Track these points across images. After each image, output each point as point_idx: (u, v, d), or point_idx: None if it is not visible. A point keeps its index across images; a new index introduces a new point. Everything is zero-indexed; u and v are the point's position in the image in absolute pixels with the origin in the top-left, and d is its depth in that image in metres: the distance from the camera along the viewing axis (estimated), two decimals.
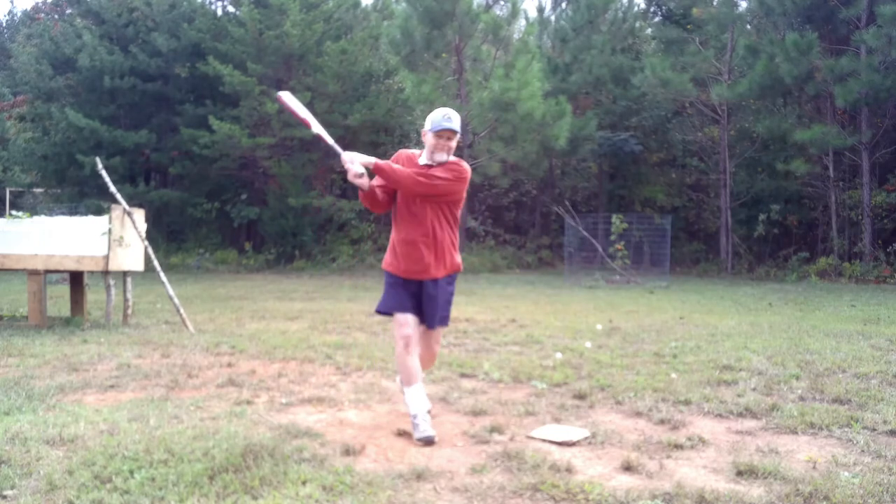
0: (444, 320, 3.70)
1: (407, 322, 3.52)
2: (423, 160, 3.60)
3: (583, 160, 22.20)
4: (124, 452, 2.98)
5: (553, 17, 23.37)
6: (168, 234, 20.12)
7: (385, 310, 3.62)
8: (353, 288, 12.80)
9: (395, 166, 3.53)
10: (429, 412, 3.53)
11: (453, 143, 3.55)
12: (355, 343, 6.08)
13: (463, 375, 4.85)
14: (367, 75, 19.59)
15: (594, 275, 15.20)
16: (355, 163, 3.48)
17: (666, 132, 21.59)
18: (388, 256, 3.68)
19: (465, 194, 3.73)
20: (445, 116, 3.51)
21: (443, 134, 3.51)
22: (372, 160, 3.51)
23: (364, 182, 3.52)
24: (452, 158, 3.62)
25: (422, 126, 3.83)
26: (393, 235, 3.67)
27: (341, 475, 2.80)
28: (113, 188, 7.09)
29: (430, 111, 3.77)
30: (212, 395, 4.18)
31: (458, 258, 3.74)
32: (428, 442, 3.31)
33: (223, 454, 2.95)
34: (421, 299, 3.60)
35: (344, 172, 3.72)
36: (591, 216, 17.19)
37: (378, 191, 3.63)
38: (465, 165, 3.64)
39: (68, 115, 18.01)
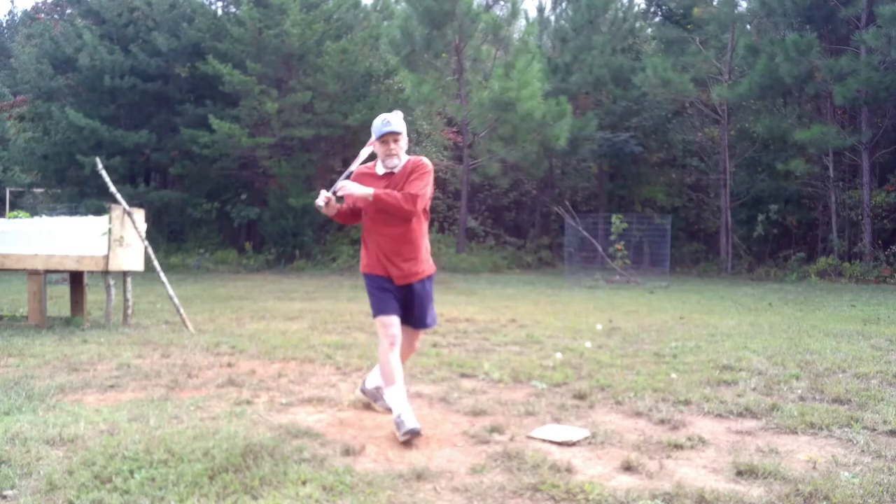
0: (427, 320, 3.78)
1: (393, 323, 3.57)
2: (378, 168, 3.66)
3: (583, 160, 22.21)
4: (124, 452, 2.98)
5: (553, 17, 23.38)
6: (168, 234, 20.11)
7: (381, 312, 3.60)
8: (353, 288, 12.79)
9: (391, 192, 3.52)
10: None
11: (401, 144, 3.59)
12: (355, 343, 6.08)
13: (463, 375, 4.85)
14: (367, 75, 19.58)
15: (594, 275, 15.20)
16: (327, 193, 3.59)
17: (666, 132, 21.60)
18: (365, 260, 3.69)
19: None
20: (384, 121, 3.56)
21: (386, 139, 3.55)
22: (368, 192, 3.50)
23: (329, 211, 3.63)
24: (412, 158, 3.67)
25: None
26: (367, 242, 3.69)
27: (341, 475, 2.80)
28: (113, 188, 7.09)
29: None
30: (212, 395, 4.18)
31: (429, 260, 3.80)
32: (415, 433, 3.28)
33: (223, 454, 2.95)
34: (408, 302, 3.66)
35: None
36: (591, 216, 17.20)
37: (348, 210, 3.75)
38: (426, 160, 3.68)
39: (68, 115, 18.00)
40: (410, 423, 3.31)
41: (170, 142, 19.59)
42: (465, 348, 5.99)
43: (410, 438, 3.29)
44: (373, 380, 3.95)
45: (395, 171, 3.62)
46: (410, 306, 3.67)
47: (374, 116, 3.77)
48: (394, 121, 3.56)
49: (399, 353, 3.57)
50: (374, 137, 3.62)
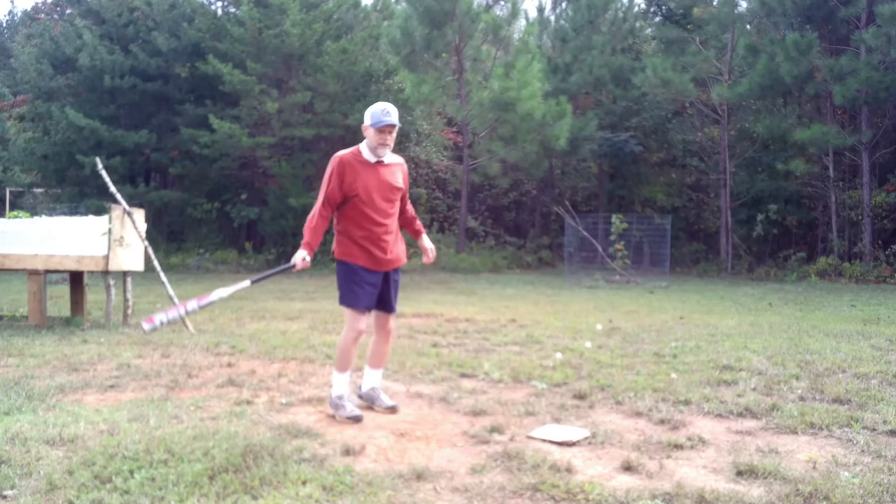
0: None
1: (364, 319, 3.79)
2: (367, 156, 3.75)
3: (583, 160, 22.21)
4: (124, 452, 2.98)
5: (553, 17, 23.38)
6: (168, 234, 20.10)
7: (355, 306, 3.75)
8: None
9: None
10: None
11: (393, 136, 3.75)
12: None
13: (463, 375, 4.85)
14: (367, 75, 19.57)
15: (594, 275, 15.20)
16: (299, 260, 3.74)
17: (666, 132, 21.59)
18: (349, 249, 3.78)
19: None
20: (385, 111, 3.65)
21: (385, 129, 3.67)
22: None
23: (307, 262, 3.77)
24: (397, 159, 3.88)
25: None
26: (353, 231, 3.77)
27: (341, 475, 2.80)
28: (113, 188, 7.09)
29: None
30: (212, 395, 4.18)
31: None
32: (357, 420, 3.63)
33: (223, 454, 2.95)
34: (384, 289, 3.85)
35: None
36: (591, 216, 17.19)
37: (319, 226, 3.74)
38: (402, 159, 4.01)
39: (68, 115, 17.99)
40: (352, 410, 3.68)
41: (170, 142, 19.58)
42: (465, 348, 5.99)
43: (353, 423, 3.61)
44: (368, 382, 3.99)
45: (384, 161, 3.77)
46: (387, 291, 3.85)
47: None
48: (393, 113, 3.68)
49: (357, 344, 3.80)
50: (369, 123, 3.68)
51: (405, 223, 4.05)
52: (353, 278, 3.74)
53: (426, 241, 4.09)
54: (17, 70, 21.00)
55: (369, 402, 3.94)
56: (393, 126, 3.66)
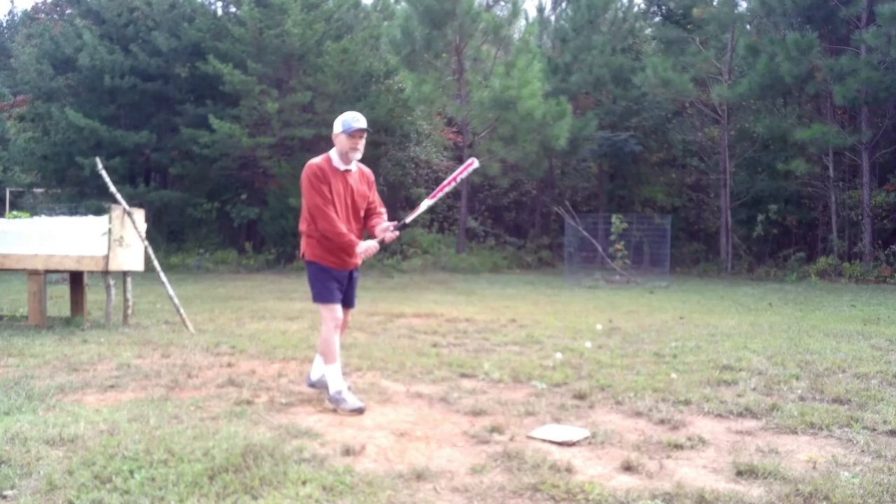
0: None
1: (339, 309, 3.98)
2: (337, 164, 3.89)
3: (583, 160, 22.22)
4: (124, 452, 2.98)
5: (553, 17, 23.39)
6: (168, 234, 20.10)
7: (330, 301, 3.93)
8: None
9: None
10: (349, 388, 4.03)
11: (363, 142, 3.92)
12: (355, 343, 6.08)
13: (463, 375, 4.85)
14: (368, 75, 19.57)
15: (594, 275, 15.20)
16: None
17: (666, 132, 21.59)
18: (319, 252, 3.93)
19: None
20: (355, 118, 3.86)
21: (356, 134, 3.84)
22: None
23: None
24: (363, 168, 4.09)
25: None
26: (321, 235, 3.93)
27: (341, 475, 2.80)
28: (113, 188, 7.08)
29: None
30: (212, 395, 4.19)
31: None
32: (360, 411, 3.75)
33: (223, 454, 2.95)
34: (347, 286, 4.08)
35: None
36: (591, 216, 17.19)
37: (338, 223, 3.91)
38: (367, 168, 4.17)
39: (68, 115, 17.98)
40: (354, 402, 3.80)
41: (170, 142, 19.57)
42: (465, 348, 5.99)
43: (358, 415, 3.71)
44: (318, 371, 4.20)
45: (352, 169, 3.94)
46: (349, 289, 4.11)
47: (375, 116, 4.00)
48: (363, 119, 3.86)
49: (337, 332, 3.97)
50: (340, 130, 3.84)
51: (371, 227, 4.13)
52: (325, 276, 3.93)
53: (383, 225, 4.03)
54: (17, 70, 20.98)
55: (322, 388, 4.14)
56: (363, 131, 3.84)
